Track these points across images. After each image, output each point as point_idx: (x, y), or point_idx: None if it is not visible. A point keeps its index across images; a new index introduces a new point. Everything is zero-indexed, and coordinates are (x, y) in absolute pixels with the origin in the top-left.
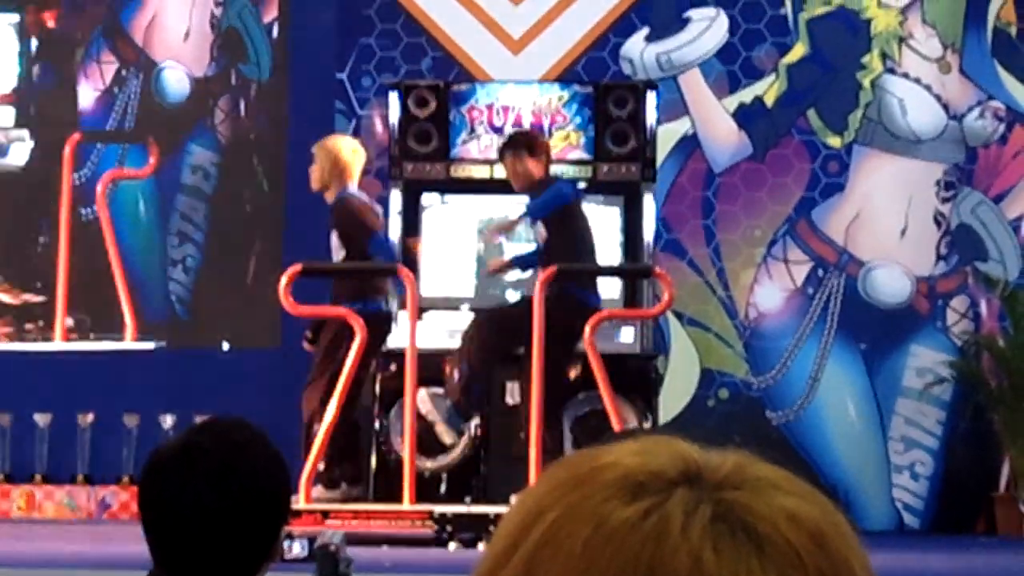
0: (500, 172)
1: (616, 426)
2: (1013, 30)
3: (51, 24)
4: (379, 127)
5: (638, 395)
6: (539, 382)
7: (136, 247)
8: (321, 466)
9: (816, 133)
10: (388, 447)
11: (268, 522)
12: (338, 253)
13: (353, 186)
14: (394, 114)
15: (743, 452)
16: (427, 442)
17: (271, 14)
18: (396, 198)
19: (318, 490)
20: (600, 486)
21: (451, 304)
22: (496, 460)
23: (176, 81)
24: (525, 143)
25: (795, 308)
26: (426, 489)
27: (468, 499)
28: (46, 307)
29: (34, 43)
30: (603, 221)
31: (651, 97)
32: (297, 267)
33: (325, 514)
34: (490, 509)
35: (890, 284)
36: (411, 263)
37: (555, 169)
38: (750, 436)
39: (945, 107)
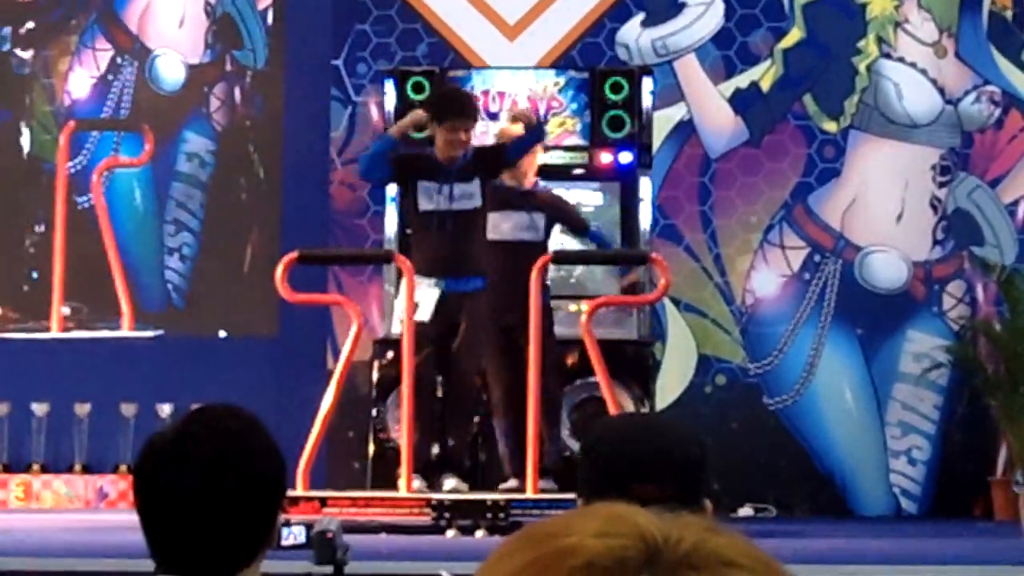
0: None
1: (613, 412)
2: (1009, 14)
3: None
4: (375, 114)
5: (635, 381)
6: (536, 370)
7: (132, 235)
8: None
9: (812, 118)
10: (386, 434)
11: (264, 509)
12: None
13: None
14: (390, 101)
15: (701, 524)
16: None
17: (266, 1)
18: (391, 185)
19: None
20: (565, 574)
21: None
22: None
23: (171, 68)
24: (475, 117)
25: (792, 294)
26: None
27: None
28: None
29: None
30: (599, 207)
31: (647, 83)
32: (294, 255)
33: (323, 501)
34: (487, 496)
35: (886, 269)
36: None
37: (551, 156)
38: (747, 422)
39: (941, 92)
